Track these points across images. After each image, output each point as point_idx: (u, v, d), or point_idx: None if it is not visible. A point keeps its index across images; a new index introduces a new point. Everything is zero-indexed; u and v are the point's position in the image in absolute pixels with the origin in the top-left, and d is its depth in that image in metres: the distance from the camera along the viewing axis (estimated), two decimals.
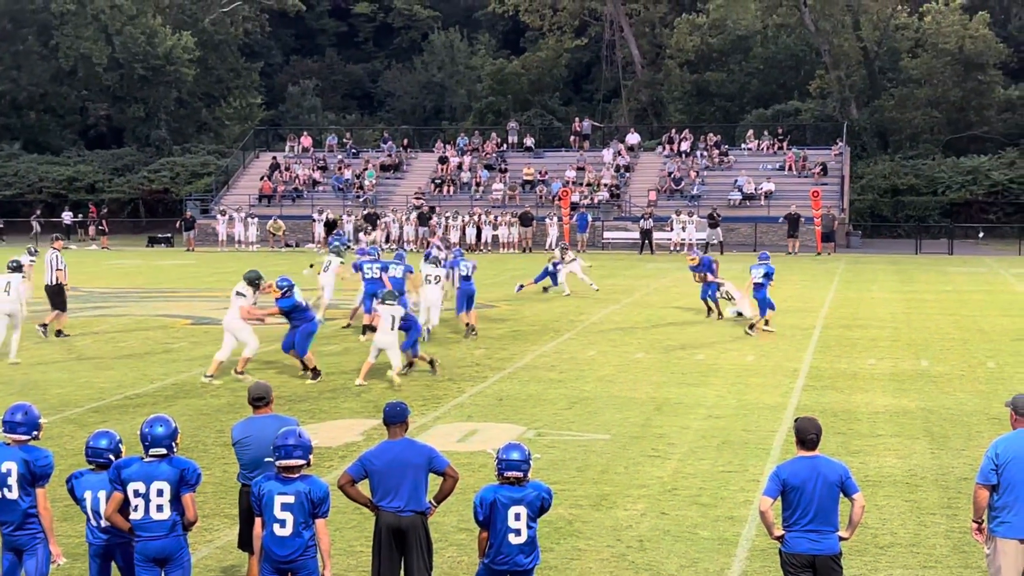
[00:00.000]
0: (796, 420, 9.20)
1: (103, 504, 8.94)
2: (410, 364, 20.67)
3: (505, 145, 66.27)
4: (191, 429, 16.12)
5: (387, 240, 54.71)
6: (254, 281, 19.81)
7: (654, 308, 30.89)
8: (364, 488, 9.40)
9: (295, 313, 19.67)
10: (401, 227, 56.42)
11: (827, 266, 44.61)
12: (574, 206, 56.58)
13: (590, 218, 55.44)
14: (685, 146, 63.15)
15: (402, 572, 9.33)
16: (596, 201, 58.60)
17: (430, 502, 9.43)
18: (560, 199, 57.06)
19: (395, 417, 9.45)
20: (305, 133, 70.59)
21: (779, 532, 8.95)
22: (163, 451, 8.84)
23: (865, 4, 71.01)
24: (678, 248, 53.16)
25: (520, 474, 8.77)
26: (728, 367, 21.64)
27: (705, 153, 62.24)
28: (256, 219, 58.57)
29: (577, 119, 69.03)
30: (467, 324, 25.73)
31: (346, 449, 15.09)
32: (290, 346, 20.21)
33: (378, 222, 56.13)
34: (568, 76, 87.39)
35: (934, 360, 22.33)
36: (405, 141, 68.97)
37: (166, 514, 8.79)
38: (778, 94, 77.88)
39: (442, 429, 16.43)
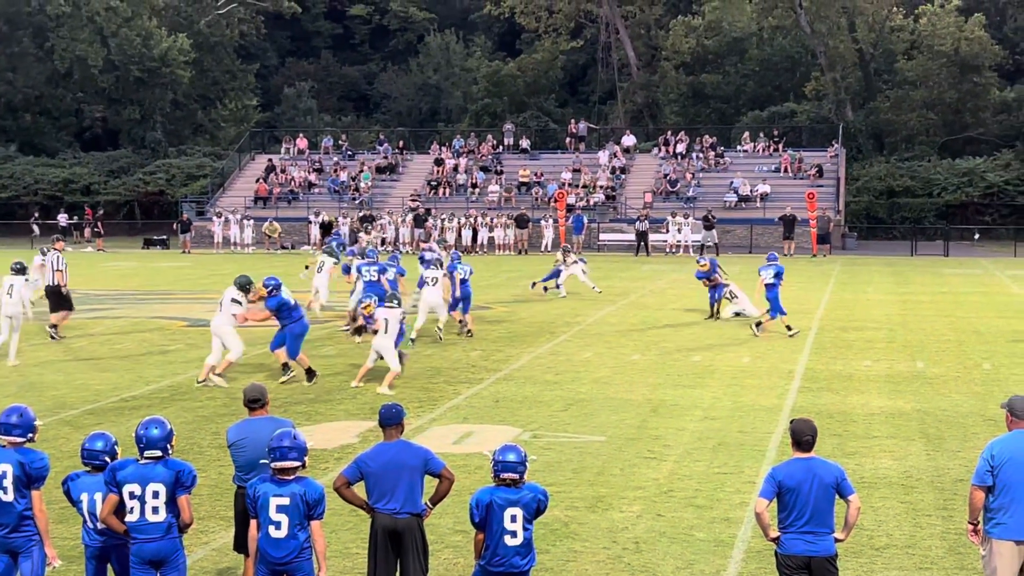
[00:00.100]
0: (792, 422, 9.20)
1: (99, 506, 8.93)
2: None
3: (501, 147, 66.27)
4: (187, 431, 16.11)
5: (383, 242, 54.68)
6: (244, 287, 19.79)
7: (650, 310, 30.90)
8: (360, 490, 9.40)
9: (282, 312, 19.58)
10: (397, 229, 56.40)
11: (823, 268, 44.64)
12: (570, 208, 56.58)
13: (586, 220, 55.43)
14: (681, 148, 63.19)
15: (398, 574, 9.33)
16: (592, 203, 58.61)
17: (426, 504, 9.42)
18: (556, 201, 57.04)
19: (391, 419, 9.45)
20: (301, 135, 70.54)
21: (775, 534, 8.95)
22: (158, 453, 8.83)
23: (861, 6, 71.07)
24: (674, 250, 53.21)
25: (516, 476, 8.76)
26: (724, 369, 21.65)
27: (701, 155, 62.26)
28: (252, 221, 58.54)
29: (573, 121, 69.05)
30: (460, 321, 25.83)
31: (342, 451, 15.08)
32: (278, 345, 20.14)
33: (374, 224, 56.10)
34: (564, 78, 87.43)
35: (930, 362, 22.34)
36: (401, 143, 68.93)
37: (162, 516, 8.78)
38: (774, 96, 77.93)
39: (438, 431, 16.42)
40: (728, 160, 61.99)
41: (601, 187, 59.97)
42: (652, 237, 53.36)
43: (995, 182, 63.54)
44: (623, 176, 61.72)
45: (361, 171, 63.91)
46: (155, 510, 8.76)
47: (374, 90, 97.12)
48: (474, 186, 61.78)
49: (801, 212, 52.92)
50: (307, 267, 29.69)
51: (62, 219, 65.91)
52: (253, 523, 8.82)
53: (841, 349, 23.94)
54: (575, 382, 20.31)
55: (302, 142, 68.93)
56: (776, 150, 62.13)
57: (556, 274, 34.03)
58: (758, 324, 25.82)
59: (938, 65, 70.44)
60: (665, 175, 60.51)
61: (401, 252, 42.12)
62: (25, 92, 79.09)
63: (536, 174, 61.70)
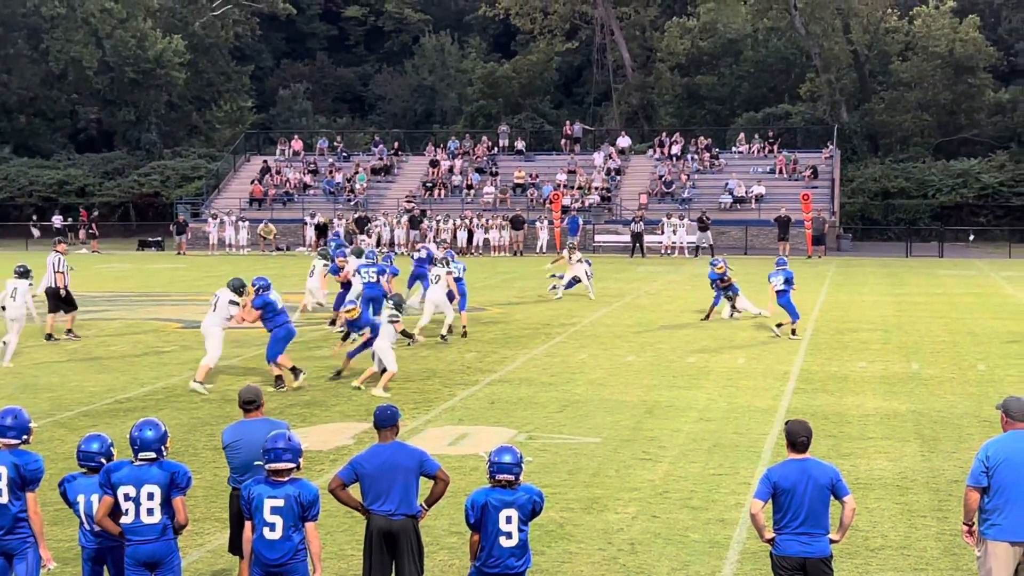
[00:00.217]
0: (787, 423, 9.20)
1: (96, 507, 8.93)
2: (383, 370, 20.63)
3: (496, 148, 66.28)
4: (181, 433, 16.10)
5: (378, 244, 54.64)
6: (238, 289, 19.76)
7: (645, 311, 30.91)
8: (355, 492, 9.40)
9: (267, 312, 19.36)
10: (392, 231, 56.38)
11: (817, 269, 44.64)
12: (565, 209, 56.59)
13: (581, 221, 55.40)
14: (676, 149, 63.21)
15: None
16: (587, 204, 58.62)
17: (421, 505, 9.42)
18: (551, 202, 57.07)
19: (386, 421, 9.45)
20: (296, 136, 70.50)
21: (770, 535, 8.96)
22: (152, 455, 8.82)
23: (855, 7, 71.13)
24: (669, 251, 53.22)
25: (512, 477, 8.76)
26: (719, 370, 21.65)
27: (696, 156, 62.29)
28: (247, 223, 58.47)
29: (568, 122, 69.06)
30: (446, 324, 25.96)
31: (337, 453, 15.07)
32: (276, 355, 19.97)
33: (369, 226, 56.08)
34: (559, 79, 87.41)
35: (925, 363, 22.36)
36: (396, 144, 68.90)
37: (156, 518, 8.78)
38: (768, 97, 77.97)
39: (433, 432, 16.42)
40: (723, 161, 62.02)
41: (596, 188, 59.97)
42: (647, 238, 53.35)
43: (990, 183, 63.61)
44: (618, 177, 61.74)
45: (356, 172, 63.87)
46: (150, 512, 8.76)
47: (369, 91, 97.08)
48: (469, 187, 61.77)
49: (796, 213, 52.93)
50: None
51: (57, 221, 65.85)
52: (248, 525, 8.81)
53: (836, 350, 23.96)
54: (570, 383, 20.31)
55: (297, 143, 68.89)
56: (771, 151, 62.16)
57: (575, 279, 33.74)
58: (779, 325, 25.77)
59: (933, 66, 70.52)
60: (660, 176, 60.52)
61: (396, 253, 42.17)
62: (20, 93, 79.01)
63: (531, 175, 61.69)
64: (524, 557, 8.79)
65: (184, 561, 9.90)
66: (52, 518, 11.52)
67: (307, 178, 64.57)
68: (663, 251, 53.42)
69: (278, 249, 57.25)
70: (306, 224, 58.18)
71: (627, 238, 54.13)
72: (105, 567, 9.15)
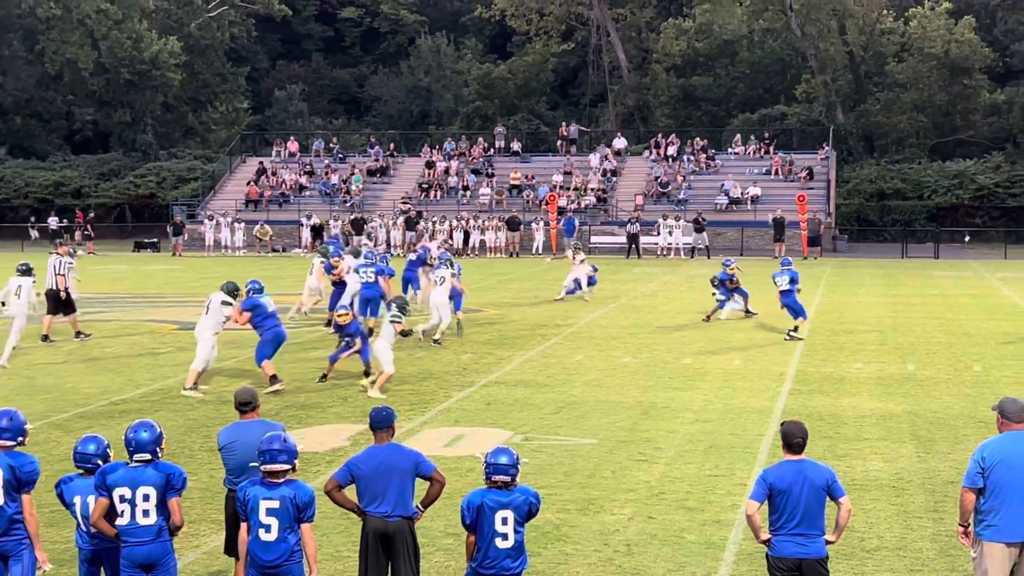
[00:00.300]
0: (782, 424, 9.20)
1: (92, 509, 8.92)
2: (366, 372, 20.61)
3: (492, 150, 66.26)
4: (177, 434, 16.09)
5: (374, 245, 54.62)
6: (233, 292, 19.72)
7: (641, 312, 30.91)
8: (351, 493, 9.39)
9: (255, 315, 19.22)
10: (388, 232, 56.36)
11: (813, 270, 44.65)
12: (561, 210, 56.59)
13: (577, 222, 55.41)
14: (672, 150, 63.23)
15: None
16: (583, 205, 58.61)
17: (417, 507, 9.42)
18: (547, 203, 57.08)
19: (381, 422, 9.45)
20: (292, 138, 70.47)
21: (766, 536, 8.96)
22: (148, 456, 8.82)
23: (851, 8, 71.18)
24: (665, 252, 53.24)
25: (508, 478, 8.76)
26: (715, 371, 21.66)
27: (692, 157, 62.30)
28: (243, 224, 58.45)
29: (564, 123, 69.08)
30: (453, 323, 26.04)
31: (333, 454, 15.07)
32: (263, 359, 19.84)
33: (365, 227, 56.06)
34: (555, 80, 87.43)
35: (920, 364, 22.38)
36: (392, 146, 68.90)
37: (152, 519, 8.78)
38: (764, 98, 78.01)
39: (429, 434, 16.42)
40: (719, 163, 62.04)
41: (592, 190, 59.98)
42: (643, 239, 53.38)
43: (985, 184, 63.65)
44: (614, 179, 61.75)
45: (352, 174, 63.87)
46: (145, 513, 8.76)
47: (365, 93, 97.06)
48: (465, 189, 61.76)
49: (792, 215, 52.96)
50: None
51: (53, 222, 65.79)
52: (243, 526, 8.81)
53: (832, 351, 23.97)
54: (566, 385, 20.32)
55: (293, 145, 68.85)
56: (767, 152, 62.20)
57: (591, 282, 33.63)
58: (795, 329, 25.76)
59: (928, 67, 70.58)
60: (656, 178, 60.54)
61: (392, 254, 42.17)
62: (15, 95, 78.97)
63: (527, 177, 61.69)
64: (520, 558, 8.79)
65: (180, 562, 9.89)
66: (48, 520, 11.50)
67: (303, 179, 64.54)
68: (659, 252, 53.44)
69: (274, 250, 57.23)
70: (302, 226, 58.19)
71: (623, 239, 54.14)
72: (101, 568, 9.13)
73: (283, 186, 64.16)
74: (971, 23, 70.55)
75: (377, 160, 65.89)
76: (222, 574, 10.85)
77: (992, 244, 58.08)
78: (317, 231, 56.69)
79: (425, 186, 62.63)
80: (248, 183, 64.21)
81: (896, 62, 74.07)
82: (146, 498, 8.76)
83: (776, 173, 59.92)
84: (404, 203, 59.26)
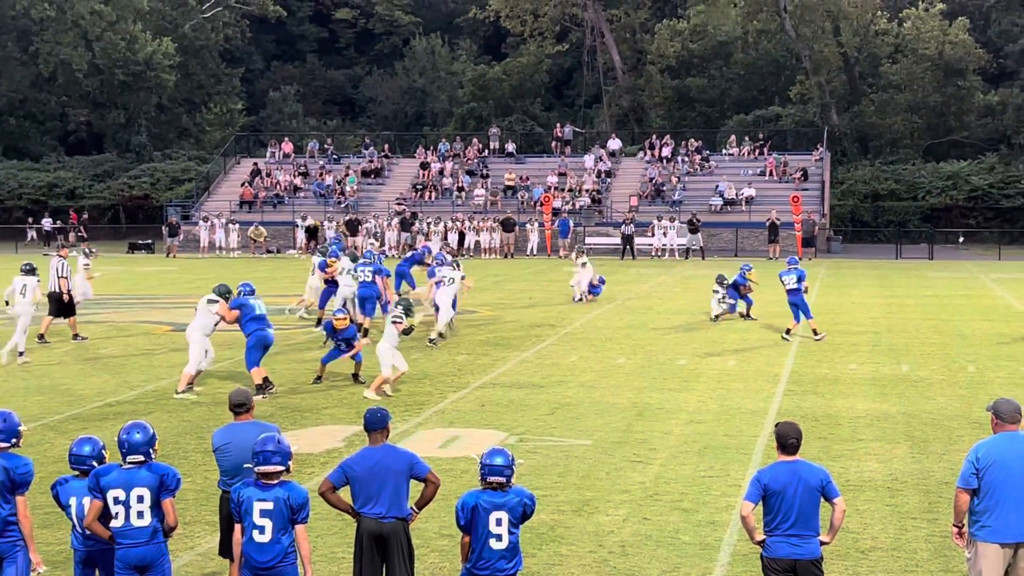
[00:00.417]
0: (777, 425, 9.21)
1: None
2: (355, 375, 20.63)
3: (487, 151, 66.28)
4: (172, 436, 16.08)
5: (380, 245, 54.58)
6: (224, 295, 19.68)
7: (636, 313, 30.92)
8: (346, 494, 9.39)
9: (242, 315, 19.04)
10: (383, 233, 56.32)
11: (808, 271, 44.57)
12: (556, 212, 56.61)
13: (572, 224, 55.44)
14: (666, 152, 63.28)
15: None
16: (578, 207, 58.64)
17: (412, 508, 9.42)
18: (542, 205, 57.09)
19: (376, 423, 9.44)
20: (286, 139, 70.47)
21: (760, 537, 8.96)
22: (141, 458, 8.81)
23: (845, 10, 71.24)
24: (659, 254, 53.25)
25: (503, 479, 8.76)
26: (710, 372, 21.67)
27: (686, 159, 62.36)
28: (237, 225, 58.42)
29: (558, 125, 69.09)
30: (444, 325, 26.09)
31: (327, 455, 15.06)
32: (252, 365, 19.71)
33: (359, 228, 56.04)
34: (549, 82, 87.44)
35: (915, 364, 22.40)
36: (386, 147, 68.91)
37: (147, 520, 8.77)
38: (759, 100, 78.08)
39: (424, 435, 16.41)
40: (713, 164, 62.08)
41: (587, 191, 60.02)
42: (638, 241, 53.38)
43: (979, 185, 63.75)
44: (608, 180, 61.79)
45: (347, 175, 63.86)
46: (140, 514, 8.75)
47: (359, 94, 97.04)
48: (460, 190, 61.76)
49: (786, 216, 52.99)
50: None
51: (46, 224, 65.74)
52: (237, 527, 8.80)
53: (826, 352, 23.98)
54: (561, 386, 20.32)
55: (287, 146, 68.83)
56: (761, 154, 62.25)
57: (595, 291, 33.60)
58: (815, 333, 25.76)
59: (922, 69, 70.69)
60: (651, 179, 60.58)
61: (386, 255, 42.19)
62: (9, 96, 78.88)
63: (522, 178, 61.71)
64: (515, 559, 8.78)
65: (174, 564, 9.89)
66: (42, 521, 11.49)
67: (297, 180, 64.53)
68: (654, 253, 53.44)
69: (268, 252, 57.20)
70: (296, 227, 58.17)
71: (618, 240, 54.17)
72: (96, 570, 9.12)
73: (277, 187, 64.14)
74: (965, 24, 70.67)
75: (372, 161, 65.88)
76: (217, 575, 10.84)
77: (986, 245, 58.16)
78: (312, 232, 56.67)
79: (419, 187, 62.63)
80: (242, 184, 64.19)
81: (890, 63, 74.19)
82: (140, 499, 8.75)
83: (770, 174, 59.99)
84: (399, 204, 59.26)
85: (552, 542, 11.75)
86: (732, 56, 79.98)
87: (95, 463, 9.07)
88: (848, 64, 74.87)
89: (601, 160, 62.93)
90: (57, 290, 25.70)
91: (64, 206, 70.85)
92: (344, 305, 25.42)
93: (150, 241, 60.92)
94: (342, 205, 61.01)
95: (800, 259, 50.26)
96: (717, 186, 58.61)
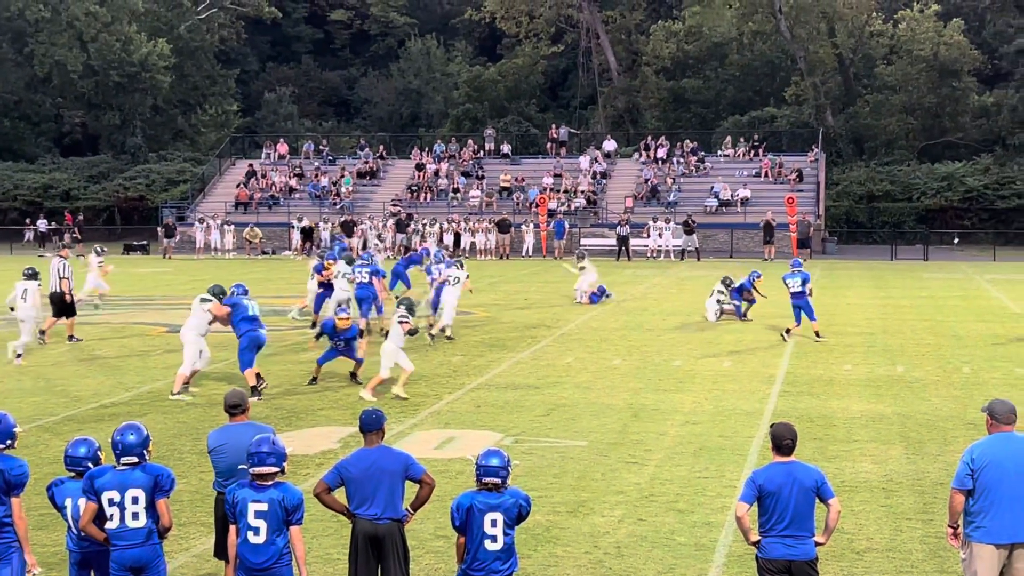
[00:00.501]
0: (772, 426, 9.21)
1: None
2: (353, 374, 20.65)
3: (482, 152, 66.29)
4: (167, 437, 16.06)
5: (364, 247, 54.53)
6: (218, 295, 19.67)
7: (631, 315, 30.92)
8: (341, 496, 9.38)
9: (234, 314, 19.05)
10: (378, 234, 56.31)
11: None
12: (551, 213, 56.60)
13: (567, 225, 55.43)
14: (662, 153, 63.31)
15: None
16: (573, 208, 58.65)
17: (407, 509, 9.42)
18: (537, 206, 57.10)
19: (371, 424, 9.44)
20: (281, 140, 70.42)
21: (755, 537, 8.96)
22: (135, 459, 8.80)
23: (840, 11, 71.31)
24: (655, 255, 53.27)
25: (498, 480, 8.76)
26: (705, 373, 21.67)
27: (681, 160, 62.39)
28: (232, 227, 58.38)
29: (554, 126, 69.11)
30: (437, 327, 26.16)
31: (323, 457, 15.05)
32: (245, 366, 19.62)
33: (355, 229, 56.01)
34: (545, 83, 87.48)
35: (910, 366, 22.41)
36: (382, 148, 68.89)
37: (142, 522, 8.76)
38: (754, 101, 78.12)
39: (419, 436, 16.41)
40: (709, 165, 62.10)
41: (582, 192, 60.02)
42: (633, 242, 53.38)
43: (974, 186, 63.82)
44: (604, 181, 61.80)
45: (342, 176, 63.86)
46: (135, 515, 8.75)
47: (355, 95, 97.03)
48: (455, 191, 61.77)
49: (781, 217, 53.03)
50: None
51: (41, 225, 65.67)
52: (232, 529, 8.80)
53: (822, 353, 24.00)
54: (556, 387, 20.32)
55: (283, 147, 68.81)
56: (756, 155, 62.28)
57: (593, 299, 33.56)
58: (816, 334, 25.77)
59: (917, 70, 70.76)
60: (646, 180, 60.60)
61: (387, 257, 42.21)
62: (4, 97, 78.82)
63: (517, 179, 61.72)
64: (510, 561, 8.78)
65: (170, 566, 9.88)
66: (37, 523, 11.47)
67: (293, 182, 64.51)
68: (649, 254, 53.45)
69: (263, 253, 57.17)
70: (292, 228, 58.13)
71: (613, 241, 54.15)
72: (91, 572, 9.12)
73: (273, 188, 64.12)
74: (960, 25, 70.76)
75: (367, 162, 65.88)
76: None
77: (981, 246, 58.20)
78: (307, 233, 56.64)
79: (415, 188, 62.62)
80: (238, 185, 64.17)
81: (885, 64, 74.29)
82: (135, 500, 8.74)
83: (766, 175, 60.02)
84: (394, 205, 59.24)
85: (547, 543, 11.75)
86: (727, 57, 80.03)
87: (90, 464, 9.06)
88: (843, 65, 74.93)
89: (596, 161, 62.94)
90: (58, 291, 25.70)
91: (59, 207, 70.81)
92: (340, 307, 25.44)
93: (145, 242, 60.86)
94: (337, 206, 60.98)
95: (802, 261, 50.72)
96: (712, 187, 58.64)
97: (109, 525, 8.76)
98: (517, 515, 8.78)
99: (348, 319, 20.26)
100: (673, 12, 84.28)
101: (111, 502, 8.72)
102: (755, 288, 29.51)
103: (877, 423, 17.21)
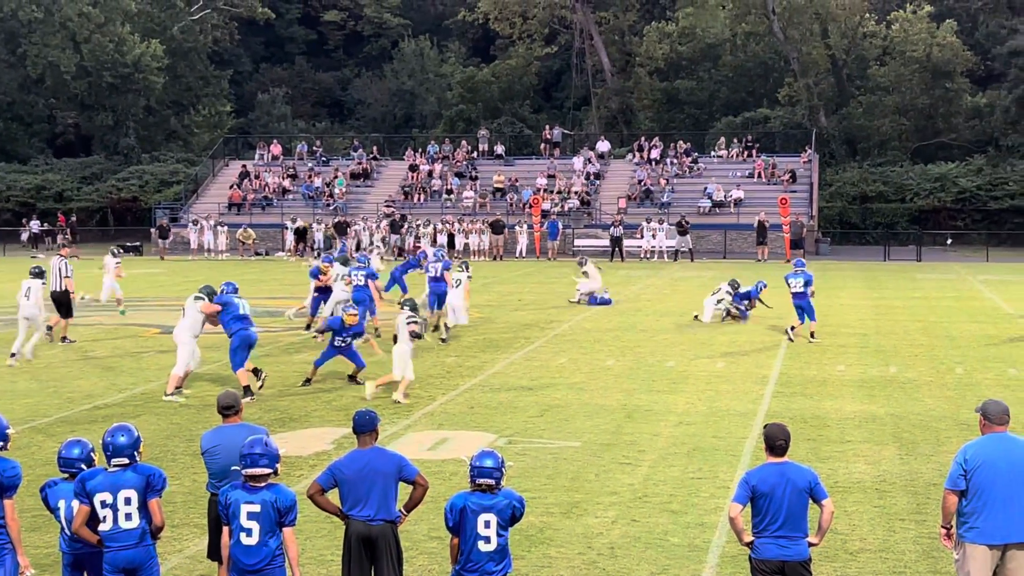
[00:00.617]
0: (765, 426, 9.22)
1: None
2: (352, 375, 20.66)
3: (476, 153, 66.28)
4: (160, 439, 16.05)
5: (358, 248, 54.53)
6: (210, 295, 19.65)
7: (625, 315, 30.93)
8: (334, 497, 9.38)
9: (224, 312, 19.02)
10: (371, 235, 56.30)
11: None
12: (545, 214, 56.62)
13: (560, 225, 55.45)
14: (655, 154, 63.33)
15: None
16: (567, 209, 58.66)
17: (400, 511, 9.42)
18: (531, 207, 57.11)
19: (365, 426, 9.44)
20: (275, 141, 70.39)
21: (749, 538, 8.97)
22: (126, 461, 8.79)
23: (833, 12, 71.34)
24: (648, 255, 53.30)
25: (492, 481, 8.76)
26: (698, 374, 21.69)
27: (675, 161, 62.42)
28: (226, 227, 58.34)
29: (547, 127, 69.09)
30: (442, 323, 26.15)
31: (316, 458, 15.04)
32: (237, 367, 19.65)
33: (348, 230, 56.00)
34: (538, 84, 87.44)
35: (903, 366, 22.44)
36: (375, 149, 68.87)
37: (135, 522, 8.75)
38: (747, 102, 78.15)
39: (413, 437, 16.40)
40: (702, 166, 62.13)
41: (576, 193, 60.03)
42: (626, 243, 53.40)
43: (967, 187, 63.86)
44: (597, 182, 61.81)
45: (335, 177, 63.81)
46: (128, 516, 8.74)
47: (348, 96, 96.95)
48: (449, 192, 61.76)
49: (774, 217, 53.07)
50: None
51: (34, 226, 65.60)
52: (225, 530, 8.79)
53: (815, 354, 24.02)
54: (550, 388, 20.32)
55: (276, 148, 68.77)
56: (750, 156, 62.32)
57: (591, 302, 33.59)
58: (812, 335, 25.78)
59: (910, 71, 70.83)
60: (639, 181, 60.62)
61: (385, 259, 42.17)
62: None
63: (511, 180, 61.72)
64: (503, 562, 8.78)
65: (163, 567, 9.87)
66: (30, 524, 11.46)
67: (286, 183, 64.48)
68: (642, 255, 53.49)
69: (257, 254, 57.12)
70: (285, 229, 58.11)
71: (606, 242, 54.17)
72: (84, 573, 9.11)
73: (266, 189, 64.07)
74: (953, 27, 70.82)
75: (360, 163, 65.85)
76: None
77: (974, 247, 58.30)
78: (300, 234, 56.62)
79: (408, 189, 62.61)
80: (231, 186, 64.11)
81: (878, 65, 74.32)
82: (127, 501, 8.73)
83: (759, 176, 60.05)
84: (388, 206, 59.22)
85: (541, 544, 11.76)
86: (720, 58, 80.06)
87: (84, 466, 9.05)
88: (836, 66, 74.98)
89: (590, 162, 62.97)
90: (61, 290, 25.69)
91: (52, 208, 70.73)
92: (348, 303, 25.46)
93: (138, 243, 60.81)
94: (331, 207, 60.94)
95: (789, 261, 50.73)
96: (706, 188, 58.68)
97: (103, 527, 8.75)
98: (511, 516, 8.78)
99: (355, 315, 20.26)
100: (666, 13, 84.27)
101: (104, 504, 8.71)
102: (760, 299, 29.53)
103: (870, 424, 17.23)
